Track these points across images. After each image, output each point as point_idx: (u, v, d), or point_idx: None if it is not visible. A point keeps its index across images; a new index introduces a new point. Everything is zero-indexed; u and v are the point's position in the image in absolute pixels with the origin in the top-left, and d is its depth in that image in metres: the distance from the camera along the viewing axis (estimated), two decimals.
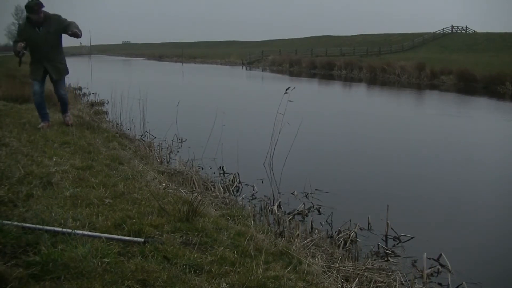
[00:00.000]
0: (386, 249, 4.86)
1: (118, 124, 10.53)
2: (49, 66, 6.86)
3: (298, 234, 4.59)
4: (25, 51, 6.55)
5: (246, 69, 46.80)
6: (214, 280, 2.69)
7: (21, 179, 3.99)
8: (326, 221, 5.60)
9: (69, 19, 6.97)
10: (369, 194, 6.76)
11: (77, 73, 24.69)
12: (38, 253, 2.57)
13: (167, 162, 7.78)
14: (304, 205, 5.94)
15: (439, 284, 4.22)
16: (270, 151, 8.10)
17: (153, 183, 5.04)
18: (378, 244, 4.92)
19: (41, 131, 6.48)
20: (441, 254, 4.58)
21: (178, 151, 8.87)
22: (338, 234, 5.02)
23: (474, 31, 57.33)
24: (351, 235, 4.96)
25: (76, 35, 6.61)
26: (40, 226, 2.89)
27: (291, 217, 5.53)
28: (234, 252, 3.17)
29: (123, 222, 3.25)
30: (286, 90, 7.93)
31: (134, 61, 67.75)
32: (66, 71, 7.18)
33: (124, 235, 3.02)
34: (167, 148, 8.84)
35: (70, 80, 18.76)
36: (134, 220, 3.33)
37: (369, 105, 18.68)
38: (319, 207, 6.08)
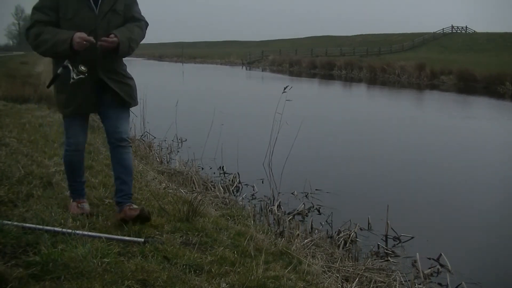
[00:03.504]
0: (386, 249, 4.86)
1: None
2: (111, 81, 3.17)
3: (298, 234, 4.59)
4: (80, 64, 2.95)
5: (246, 69, 46.80)
6: (214, 280, 2.69)
7: (21, 179, 3.99)
8: (326, 221, 5.60)
9: None
10: (369, 194, 6.76)
11: None
12: (38, 253, 2.57)
13: (167, 162, 7.78)
14: (304, 205, 5.94)
15: (439, 284, 4.22)
16: (270, 151, 8.10)
17: (153, 183, 5.05)
18: (378, 244, 4.92)
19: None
20: (441, 254, 4.58)
21: (178, 151, 8.87)
22: (338, 234, 5.01)
23: (474, 31, 57.33)
24: (351, 235, 4.96)
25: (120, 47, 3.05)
26: (40, 226, 2.89)
27: (291, 217, 5.53)
28: (234, 252, 3.16)
29: (123, 222, 3.25)
30: (284, 89, 7.93)
31: (134, 61, 67.59)
32: (136, 94, 3.43)
33: (124, 235, 3.02)
34: (167, 148, 8.84)
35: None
36: None
37: (369, 105, 18.68)
38: (319, 207, 6.08)
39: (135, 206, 3.25)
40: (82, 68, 2.94)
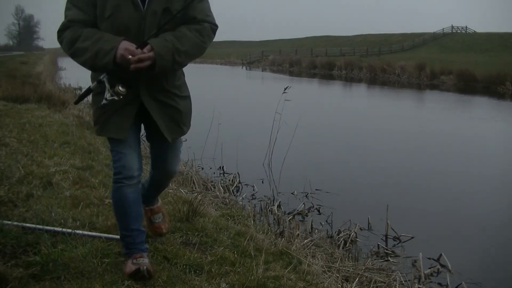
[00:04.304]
0: (386, 249, 4.86)
1: None
2: (154, 103, 2.47)
3: (298, 234, 4.59)
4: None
5: (246, 69, 46.80)
6: (214, 280, 2.69)
7: (21, 179, 3.99)
8: (326, 221, 5.60)
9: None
10: (369, 194, 6.76)
11: (77, 73, 24.69)
12: (38, 253, 2.57)
13: None
14: (304, 205, 5.94)
15: (439, 284, 4.22)
16: (270, 151, 8.10)
17: None
18: (378, 244, 4.92)
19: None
20: (441, 254, 4.58)
21: None
22: (338, 234, 5.02)
23: (474, 31, 57.39)
24: (351, 235, 4.97)
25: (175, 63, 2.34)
26: (40, 226, 2.89)
27: (291, 217, 5.53)
28: (234, 252, 3.16)
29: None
30: (285, 89, 7.95)
31: None
32: (190, 118, 2.86)
33: None
34: None
35: (70, 80, 18.62)
36: None
37: (370, 105, 18.68)
38: (319, 207, 6.08)
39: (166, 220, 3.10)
40: (120, 89, 2.25)
